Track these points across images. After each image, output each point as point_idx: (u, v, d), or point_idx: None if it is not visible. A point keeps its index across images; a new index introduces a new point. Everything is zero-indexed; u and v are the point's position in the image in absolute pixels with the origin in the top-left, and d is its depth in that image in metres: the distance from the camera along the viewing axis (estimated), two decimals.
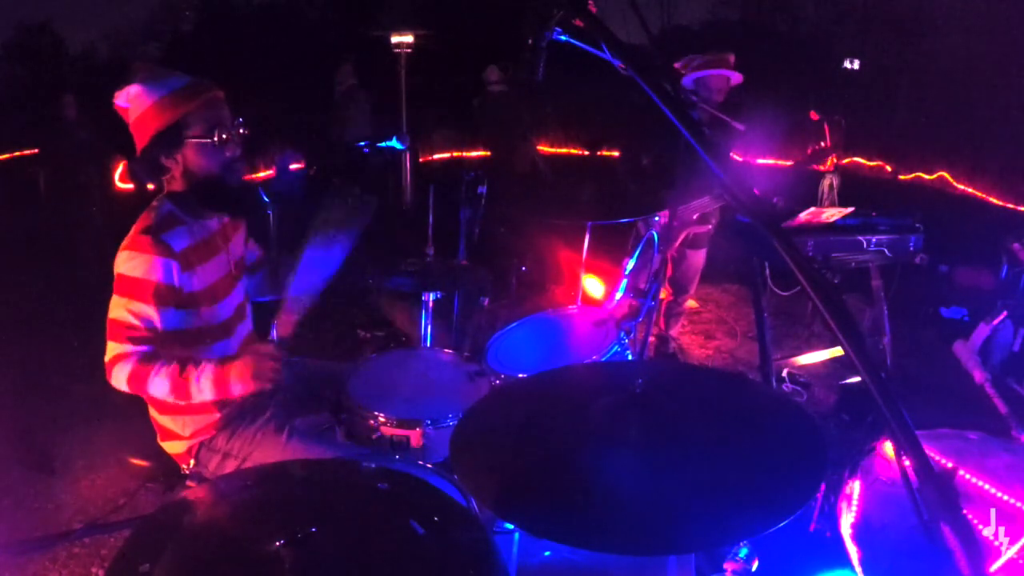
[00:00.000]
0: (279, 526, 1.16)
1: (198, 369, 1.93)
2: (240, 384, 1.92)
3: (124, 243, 1.96)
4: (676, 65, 4.11)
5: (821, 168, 6.70)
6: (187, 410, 2.08)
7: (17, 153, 9.25)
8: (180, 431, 2.13)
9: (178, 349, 2.02)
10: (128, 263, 1.93)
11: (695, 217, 4.23)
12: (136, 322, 1.92)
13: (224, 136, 2.02)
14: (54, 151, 6.72)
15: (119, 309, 1.93)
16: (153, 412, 2.16)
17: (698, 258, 4.51)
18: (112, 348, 1.94)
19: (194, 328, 2.06)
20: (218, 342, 2.13)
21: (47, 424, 3.80)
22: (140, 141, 2.02)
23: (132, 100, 2.01)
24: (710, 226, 4.40)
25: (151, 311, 1.93)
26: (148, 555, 1.14)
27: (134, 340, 1.92)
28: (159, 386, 1.92)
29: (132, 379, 1.92)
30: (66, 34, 17.14)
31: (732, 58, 4.24)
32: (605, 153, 11.27)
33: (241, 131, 2.08)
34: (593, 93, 10.31)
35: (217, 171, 2.05)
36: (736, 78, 4.22)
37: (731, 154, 4.38)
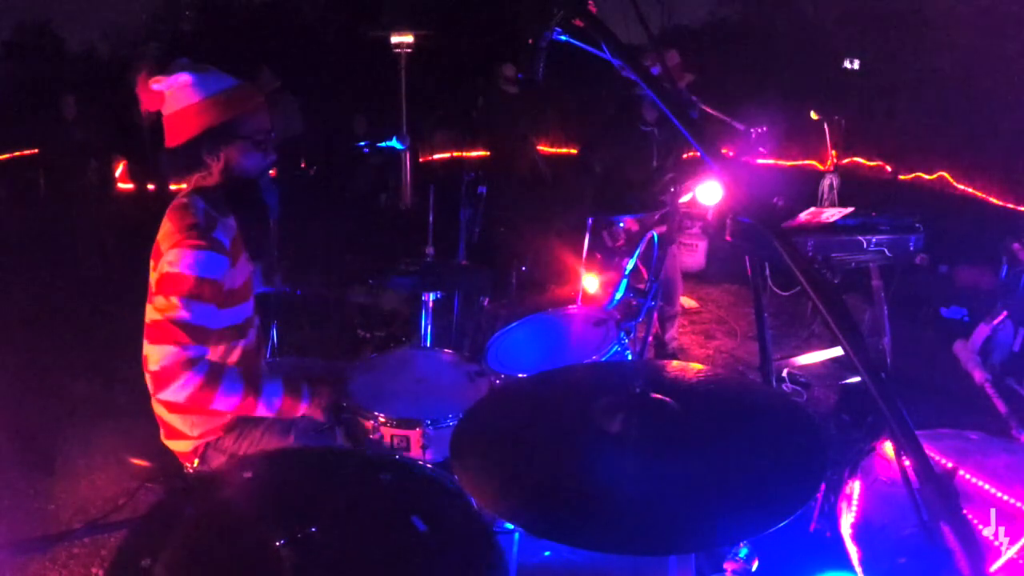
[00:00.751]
0: (280, 522, 1.16)
1: (264, 395, 1.97)
2: (307, 411, 2.05)
3: (176, 242, 1.89)
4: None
5: (821, 168, 6.71)
6: (196, 410, 2.07)
7: (17, 153, 9.25)
8: (188, 431, 2.12)
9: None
10: (185, 261, 1.86)
11: (656, 218, 4.24)
12: (196, 323, 1.85)
13: (266, 139, 2.04)
14: (54, 151, 6.71)
15: (177, 310, 1.84)
16: (160, 410, 2.14)
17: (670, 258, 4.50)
18: (165, 354, 1.83)
19: (223, 327, 2.03)
20: (239, 340, 2.11)
21: (47, 424, 3.80)
22: (180, 133, 1.97)
23: (177, 89, 1.96)
24: (666, 227, 4.39)
25: (212, 311, 1.90)
26: (149, 550, 1.13)
27: (194, 344, 1.85)
28: (224, 406, 1.92)
29: (196, 397, 1.86)
30: (66, 34, 17.17)
31: (676, 57, 4.22)
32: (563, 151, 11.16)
33: (273, 136, 2.10)
34: (584, 94, 10.33)
35: (255, 174, 2.06)
36: (686, 77, 4.22)
37: (729, 153, 4.39)
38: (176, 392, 1.85)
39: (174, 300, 1.85)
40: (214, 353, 2.01)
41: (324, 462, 1.51)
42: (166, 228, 1.95)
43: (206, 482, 1.39)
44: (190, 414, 2.10)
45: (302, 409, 2.05)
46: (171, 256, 1.88)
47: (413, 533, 1.22)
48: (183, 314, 1.84)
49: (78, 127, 6.60)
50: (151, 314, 1.91)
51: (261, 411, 1.99)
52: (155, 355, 1.84)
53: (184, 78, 1.95)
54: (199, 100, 1.95)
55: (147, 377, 1.88)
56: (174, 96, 1.97)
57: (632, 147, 4.18)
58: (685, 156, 4.52)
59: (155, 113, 2.02)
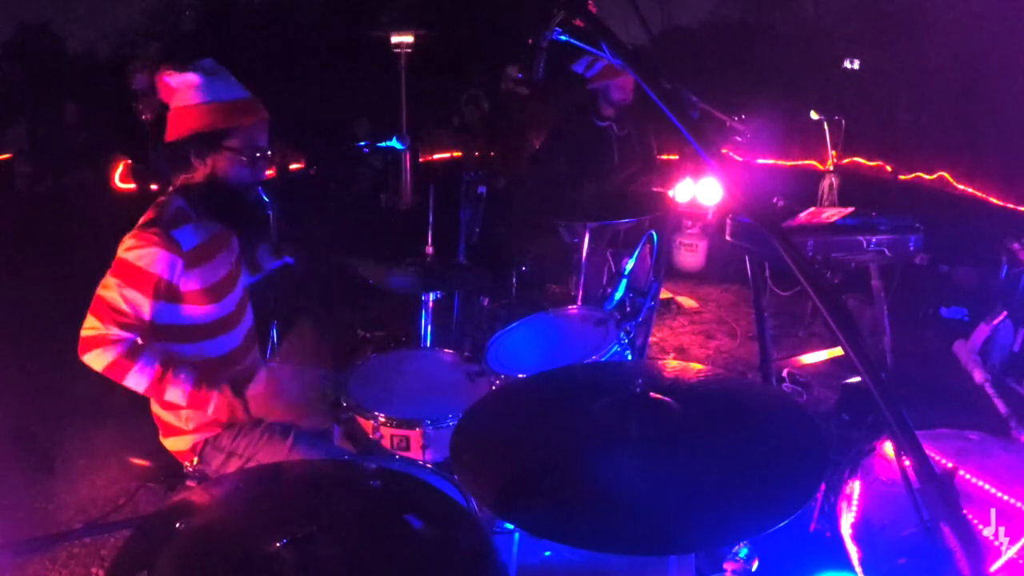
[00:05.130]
0: (279, 526, 1.16)
1: (176, 379, 1.96)
2: (213, 410, 2.01)
3: (132, 231, 1.96)
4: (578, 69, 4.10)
5: (821, 168, 6.71)
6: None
7: (17, 153, 9.25)
8: (183, 425, 2.13)
9: (167, 345, 2.04)
10: (133, 251, 1.93)
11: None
12: (127, 308, 1.92)
13: (258, 157, 2.07)
14: (55, 152, 6.75)
15: (112, 291, 1.92)
16: (156, 408, 2.16)
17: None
18: (94, 325, 1.93)
19: (192, 324, 2.07)
20: (220, 336, 2.13)
21: (47, 424, 3.80)
22: (176, 130, 2.03)
23: (184, 87, 2.01)
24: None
25: (144, 302, 1.94)
26: (145, 561, 1.13)
27: (120, 325, 1.93)
28: (136, 382, 1.95)
29: (112, 368, 1.93)
30: (66, 34, 17.14)
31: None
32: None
33: (270, 155, 2.12)
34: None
35: (240, 187, 2.08)
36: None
37: (729, 153, 4.38)
38: (94, 360, 1.94)
39: (109, 279, 1.94)
40: (177, 351, 2.05)
41: (314, 474, 1.51)
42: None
43: (202, 492, 1.39)
44: (183, 408, 2.10)
45: (207, 407, 2.02)
46: (124, 243, 1.95)
47: (411, 536, 1.22)
48: (113, 295, 1.92)
49: (79, 131, 6.64)
50: (99, 285, 1.97)
51: (167, 399, 1.99)
52: (87, 322, 1.94)
53: (192, 78, 2.00)
54: (199, 103, 2.00)
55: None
56: (180, 93, 2.02)
57: (590, 143, 4.16)
58: (662, 157, 4.51)
59: (163, 107, 2.07)
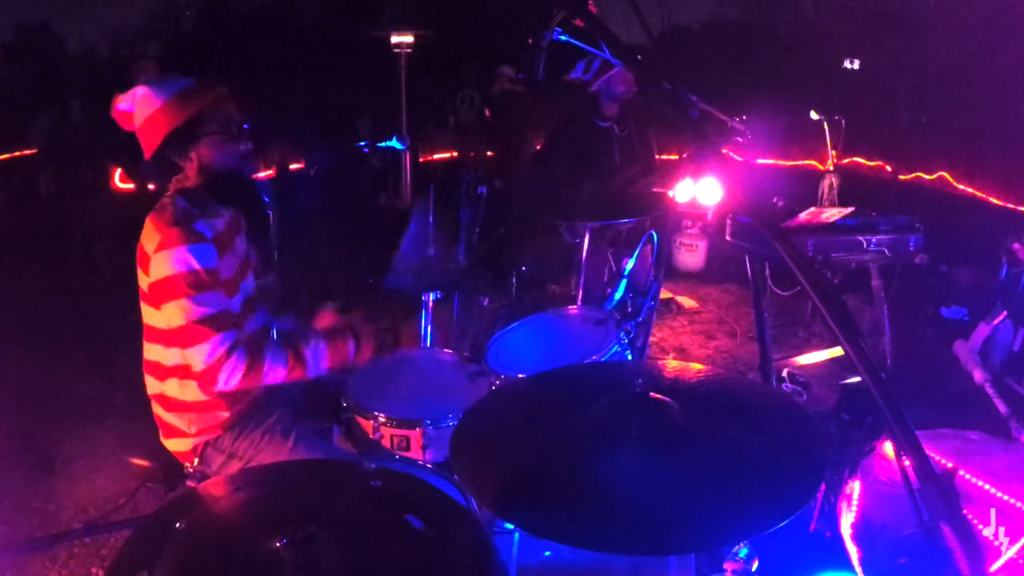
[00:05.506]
0: (279, 526, 1.16)
1: (310, 347, 1.98)
2: (358, 356, 2.05)
3: (159, 246, 1.91)
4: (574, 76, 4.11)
5: (821, 168, 6.71)
6: (194, 408, 2.08)
7: (17, 153, 9.25)
8: (186, 428, 2.12)
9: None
10: (175, 258, 1.89)
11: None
12: (212, 310, 1.89)
13: (236, 131, 2.04)
14: (56, 153, 6.76)
15: (187, 310, 1.87)
16: (158, 409, 2.15)
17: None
18: (204, 352, 1.88)
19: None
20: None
21: (47, 424, 3.80)
22: (150, 143, 2.01)
23: (139, 103, 2.00)
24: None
25: (217, 294, 1.92)
26: (145, 561, 1.13)
27: (219, 328, 1.89)
28: (275, 375, 1.95)
29: (247, 378, 1.91)
30: (66, 34, 17.13)
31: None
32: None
33: (247, 126, 2.09)
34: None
35: (234, 164, 2.06)
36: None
37: (729, 153, 4.38)
38: (227, 382, 1.91)
39: (184, 302, 1.88)
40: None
41: (314, 474, 1.51)
42: (147, 230, 1.97)
43: (198, 496, 1.39)
44: (186, 412, 2.10)
45: (350, 355, 2.05)
46: (161, 260, 1.90)
47: (411, 536, 1.22)
48: (199, 310, 1.88)
49: (83, 130, 6.65)
50: (170, 318, 1.93)
51: (312, 372, 2.01)
52: (195, 358, 1.90)
53: (141, 91, 1.99)
54: (158, 107, 1.97)
55: (195, 382, 1.96)
56: (139, 109, 2.01)
57: (592, 144, 4.17)
58: (660, 157, 4.51)
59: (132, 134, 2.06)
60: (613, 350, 2.48)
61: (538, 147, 4.89)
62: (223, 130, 2.01)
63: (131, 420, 2.30)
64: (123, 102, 2.01)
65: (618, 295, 2.89)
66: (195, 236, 1.92)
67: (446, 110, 9.73)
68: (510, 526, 1.70)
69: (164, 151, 2.00)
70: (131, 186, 7.88)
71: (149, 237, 1.95)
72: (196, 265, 1.90)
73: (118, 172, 7.47)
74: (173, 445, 2.17)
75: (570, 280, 4.44)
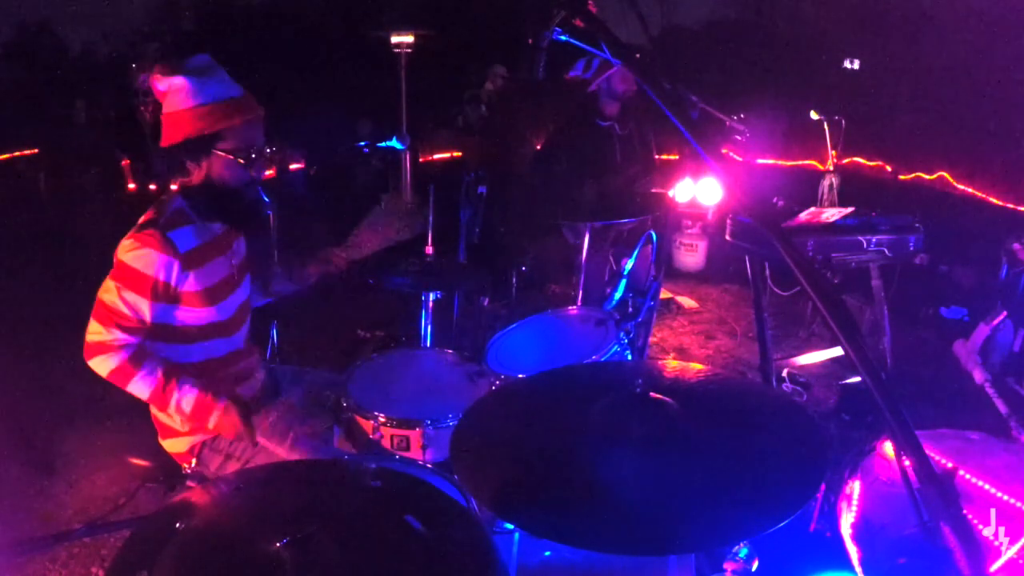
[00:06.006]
0: (279, 526, 1.16)
1: (181, 390, 1.98)
2: (215, 424, 2.01)
3: (130, 233, 1.97)
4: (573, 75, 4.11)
5: (821, 168, 6.71)
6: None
7: (17, 153, 9.25)
8: (181, 428, 2.12)
9: (164, 345, 2.04)
10: (131, 253, 1.93)
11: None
12: (127, 311, 1.94)
13: (253, 156, 2.04)
14: (58, 153, 6.76)
15: (112, 294, 1.94)
16: (154, 410, 2.16)
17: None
18: (97, 329, 1.95)
19: (189, 325, 2.07)
20: (215, 339, 2.13)
21: (47, 424, 3.80)
22: (170, 135, 2.01)
23: (174, 92, 1.99)
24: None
25: (144, 305, 1.95)
26: (145, 561, 1.13)
27: (123, 328, 1.94)
28: (140, 389, 1.96)
29: (116, 373, 1.95)
30: (66, 34, 17.11)
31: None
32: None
33: (269, 152, 2.11)
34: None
35: (238, 187, 2.07)
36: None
37: (729, 153, 4.38)
38: (99, 365, 1.97)
39: (109, 283, 1.95)
40: (173, 352, 2.06)
41: (314, 474, 1.51)
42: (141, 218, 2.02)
43: (202, 492, 1.39)
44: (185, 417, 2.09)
45: (211, 418, 2.02)
46: (122, 245, 1.95)
47: (411, 536, 1.22)
48: (113, 299, 1.93)
49: (88, 130, 6.66)
50: (100, 289, 1.99)
51: (170, 409, 2.01)
52: (91, 329, 1.97)
53: (179, 82, 1.97)
54: (189, 107, 1.97)
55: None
56: (170, 97, 2.01)
57: (592, 144, 4.16)
58: (661, 157, 4.50)
59: (159, 108, 2.06)
60: (613, 350, 2.48)
61: (538, 147, 4.88)
62: (241, 153, 2.02)
63: (131, 420, 2.31)
64: (161, 82, 2.00)
65: (618, 295, 2.90)
66: (163, 245, 1.94)
67: (453, 110, 9.72)
68: (510, 526, 1.70)
69: (178, 150, 2.01)
70: (133, 186, 7.89)
71: (136, 223, 2.00)
72: (143, 269, 1.93)
73: (128, 171, 7.47)
74: (170, 446, 2.17)
75: (570, 280, 4.45)
